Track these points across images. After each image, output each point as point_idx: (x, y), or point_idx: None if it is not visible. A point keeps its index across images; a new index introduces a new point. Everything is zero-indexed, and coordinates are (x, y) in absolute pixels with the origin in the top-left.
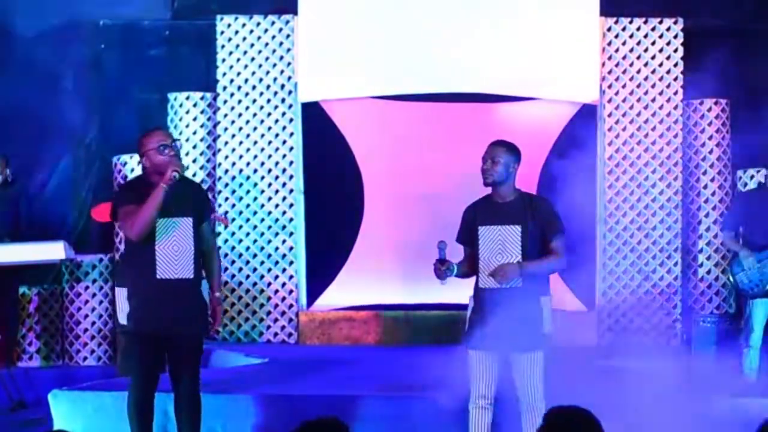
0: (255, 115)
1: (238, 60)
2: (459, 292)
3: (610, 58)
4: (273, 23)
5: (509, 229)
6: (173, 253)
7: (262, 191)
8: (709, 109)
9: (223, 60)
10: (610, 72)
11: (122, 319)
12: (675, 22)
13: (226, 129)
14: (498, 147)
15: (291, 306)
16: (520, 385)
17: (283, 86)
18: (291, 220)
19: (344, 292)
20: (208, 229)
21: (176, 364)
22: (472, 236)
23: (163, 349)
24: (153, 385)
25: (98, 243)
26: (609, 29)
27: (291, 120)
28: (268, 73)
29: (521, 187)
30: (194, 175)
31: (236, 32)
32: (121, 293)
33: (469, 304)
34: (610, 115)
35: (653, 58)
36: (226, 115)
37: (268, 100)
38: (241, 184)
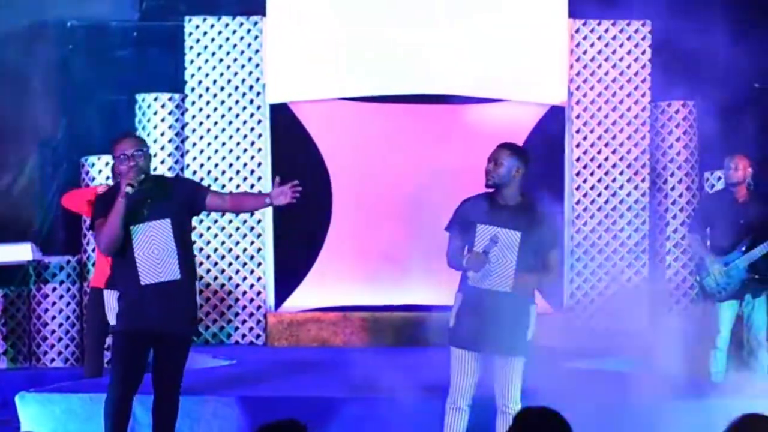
0: (223, 116)
1: (207, 61)
2: (425, 294)
3: (578, 59)
4: (241, 24)
5: (509, 233)
6: (153, 257)
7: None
8: (677, 111)
9: (192, 61)
10: (578, 74)
11: (111, 320)
12: (643, 25)
13: (194, 130)
14: (503, 150)
15: (259, 307)
16: (498, 388)
17: (251, 87)
18: (259, 221)
19: (312, 293)
20: (217, 197)
21: (163, 365)
22: (467, 231)
23: (148, 350)
24: (132, 387)
25: (66, 244)
26: (577, 31)
27: (259, 121)
28: (236, 74)
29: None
30: (163, 175)
31: (204, 33)
32: (110, 295)
33: (455, 301)
34: (578, 116)
35: (621, 60)
36: (194, 117)
37: (237, 102)
38: (209, 186)
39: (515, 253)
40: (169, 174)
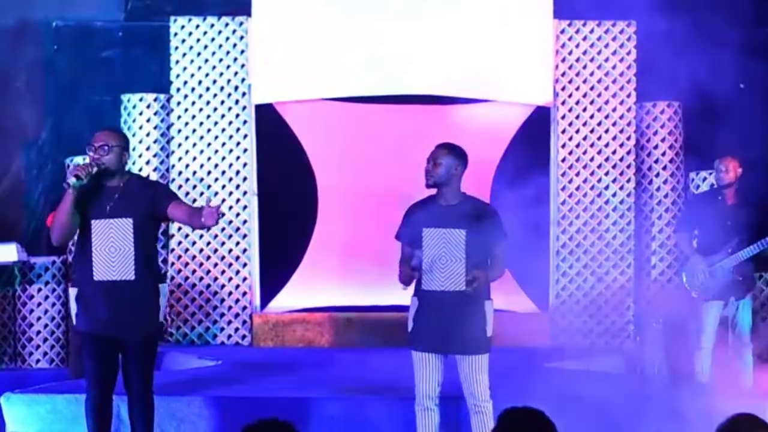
0: (209, 116)
1: (192, 61)
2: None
3: (563, 60)
4: (227, 25)
5: (453, 232)
6: (109, 254)
7: (216, 193)
8: (662, 112)
9: (177, 61)
10: (563, 74)
11: (74, 319)
12: (628, 25)
13: (179, 131)
14: (440, 149)
15: (245, 308)
16: (466, 387)
17: (236, 88)
18: (245, 222)
19: (298, 294)
20: (177, 208)
21: (127, 366)
22: (415, 237)
23: (115, 350)
24: (107, 386)
25: (51, 245)
26: (562, 31)
27: (244, 122)
28: (221, 74)
29: (475, 188)
30: (147, 177)
31: (190, 34)
32: (73, 293)
33: (412, 305)
34: (563, 117)
35: (607, 60)
36: (179, 117)
37: (222, 102)
38: (194, 186)
39: (463, 252)
40: (154, 175)
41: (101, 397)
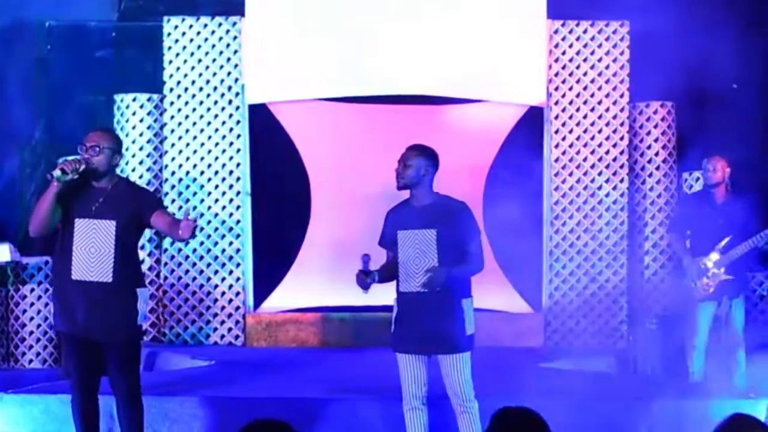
0: (202, 117)
1: (185, 61)
2: None
3: (557, 60)
4: (220, 25)
5: (425, 233)
6: (89, 255)
7: (209, 193)
8: (655, 112)
9: (170, 61)
10: (556, 74)
11: (52, 319)
12: (621, 25)
13: (172, 131)
14: (410, 151)
15: (238, 308)
16: (448, 386)
17: (230, 88)
18: (238, 222)
19: (291, 294)
20: (159, 217)
21: (109, 368)
22: (393, 240)
23: (96, 351)
24: (90, 386)
25: (43, 245)
26: (556, 32)
27: (238, 122)
28: (215, 74)
29: (469, 188)
30: (141, 177)
31: (183, 34)
32: (51, 292)
33: (394, 308)
34: (556, 117)
35: (600, 60)
36: (172, 117)
37: (215, 102)
38: (187, 186)
39: (435, 251)
40: (147, 175)
41: (85, 398)
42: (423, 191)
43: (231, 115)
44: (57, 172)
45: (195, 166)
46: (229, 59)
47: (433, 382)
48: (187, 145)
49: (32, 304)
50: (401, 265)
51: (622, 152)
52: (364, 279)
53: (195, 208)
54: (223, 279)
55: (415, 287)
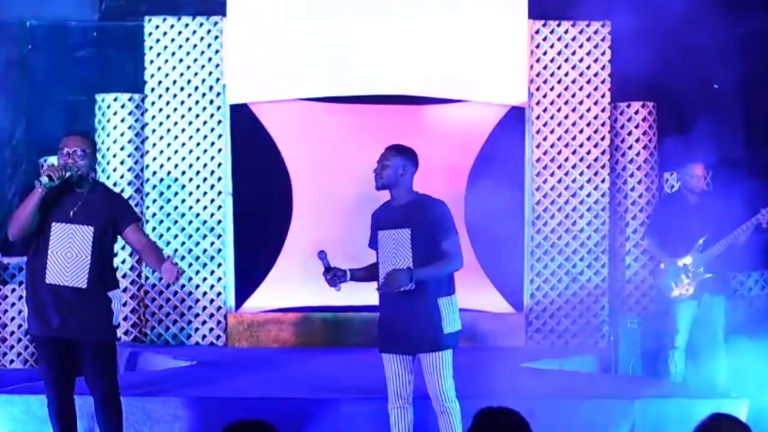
0: (183, 116)
1: (167, 61)
2: None
3: (538, 60)
4: (201, 25)
5: (401, 232)
6: (65, 259)
7: (191, 193)
8: (636, 112)
9: (151, 61)
10: (538, 74)
11: (25, 322)
12: (602, 25)
13: (154, 131)
14: (388, 150)
15: (219, 308)
16: (429, 388)
17: (211, 88)
18: (219, 222)
19: (273, 294)
20: (134, 233)
21: (86, 371)
22: (375, 240)
23: (69, 353)
24: (65, 388)
25: (24, 245)
26: (537, 32)
27: (219, 122)
28: (196, 74)
29: (450, 187)
30: (122, 177)
31: (164, 33)
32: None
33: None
34: (538, 117)
35: (581, 60)
36: (154, 117)
37: (197, 102)
38: (169, 186)
39: (409, 250)
40: (129, 175)
41: (61, 400)
42: (402, 191)
43: (212, 115)
44: (44, 179)
45: (176, 166)
46: (210, 59)
47: (417, 382)
48: (169, 145)
49: (13, 304)
50: (380, 265)
51: (603, 152)
52: (331, 277)
53: (176, 208)
54: (205, 279)
55: (389, 288)
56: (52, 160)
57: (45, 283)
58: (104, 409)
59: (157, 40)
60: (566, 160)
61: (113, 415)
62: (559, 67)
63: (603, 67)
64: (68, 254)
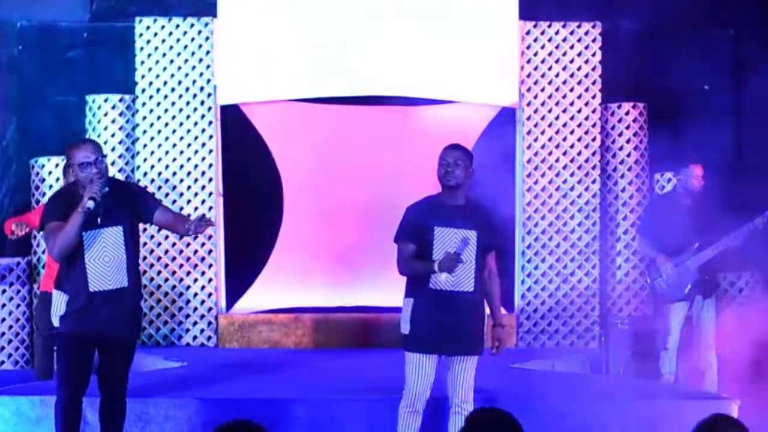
0: (174, 117)
1: (157, 62)
2: (377, 295)
3: (529, 61)
4: (192, 25)
5: (467, 233)
6: (104, 264)
7: (181, 194)
8: (627, 113)
9: (142, 62)
10: (528, 75)
11: (55, 322)
12: (593, 26)
13: (144, 132)
14: (459, 150)
15: (210, 309)
16: (453, 388)
17: (202, 89)
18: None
19: (264, 295)
20: (162, 214)
21: (107, 366)
22: (422, 236)
23: (93, 352)
24: (81, 386)
25: (16, 246)
26: (528, 33)
27: (210, 123)
28: (187, 75)
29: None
30: (122, 180)
31: (155, 34)
32: (59, 296)
33: (406, 306)
34: (528, 118)
35: (572, 61)
36: (144, 118)
37: (188, 103)
38: (159, 187)
39: (474, 252)
40: (119, 176)
41: (72, 399)
42: (462, 192)
43: (203, 116)
44: (90, 203)
45: (167, 167)
46: (201, 60)
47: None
48: (159, 146)
49: (4, 305)
50: (436, 261)
51: (594, 153)
52: (456, 261)
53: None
54: (196, 280)
55: (451, 285)
56: (43, 161)
57: (89, 292)
58: (114, 405)
59: (148, 41)
60: (557, 161)
61: (120, 413)
62: (549, 68)
63: (593, 68)
64: (105, 258)
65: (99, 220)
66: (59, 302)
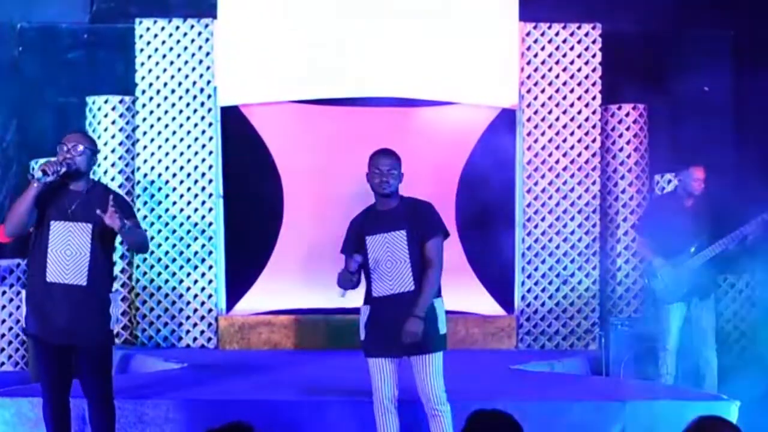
0: (174, 119)
1: (157, 63)
2: None
3: (529, 62)
4: (192, 27)
5: (394, 235)
6: (65, 256)
7: (182, 195)
8: (627, 114)
9: (142, 63)
10: (529, 77)
11: (23, 321)
12: (593, 28)
13: (145, 133)
14: (393, 157)
15: (210, 310)
16: (420, 389)
17: (202, 90)
18: (210, 224)
19: (263, 296)
20: (130, 231)
21: (81, 372)
22: (360, 247)
23: (67, 354)
24: (61, 389)
25: (15, 248)
26: (528, 34)
27: (210, 124)
28: (187, 76)
29: (441, 190)
30: (113, 179)
31: (155, 36)
32: (23, 295)
33: (362, 314)
34: (529, 119)
35: (572, 63)
36: (145, 119)
37: (188, 104)
38: (160, 189)
39: (406, 251)
40: (119, 177)
41: (57, 401)
42: (396, 197)
43: (203, 118)
44: (38, 173)
45: (167, 168)
46: (201, 61)
47: (405, 386)
48: (159, 147)
49: (4, 307)
50: (373, 270)
51: (594, 154)
52: (350, 280)
53: (167, 210)
54: (196, 281)
55: (389, 289)
56: (43, 162)
57: (45, 282)
58: (99, 410)
59: (148, 43)
60: (557, 162)
61: (107, 417)
62: (549, 70)
63: (594, 70)
64: (67, 252)
65: (70, 212)
66: (23, 300)
